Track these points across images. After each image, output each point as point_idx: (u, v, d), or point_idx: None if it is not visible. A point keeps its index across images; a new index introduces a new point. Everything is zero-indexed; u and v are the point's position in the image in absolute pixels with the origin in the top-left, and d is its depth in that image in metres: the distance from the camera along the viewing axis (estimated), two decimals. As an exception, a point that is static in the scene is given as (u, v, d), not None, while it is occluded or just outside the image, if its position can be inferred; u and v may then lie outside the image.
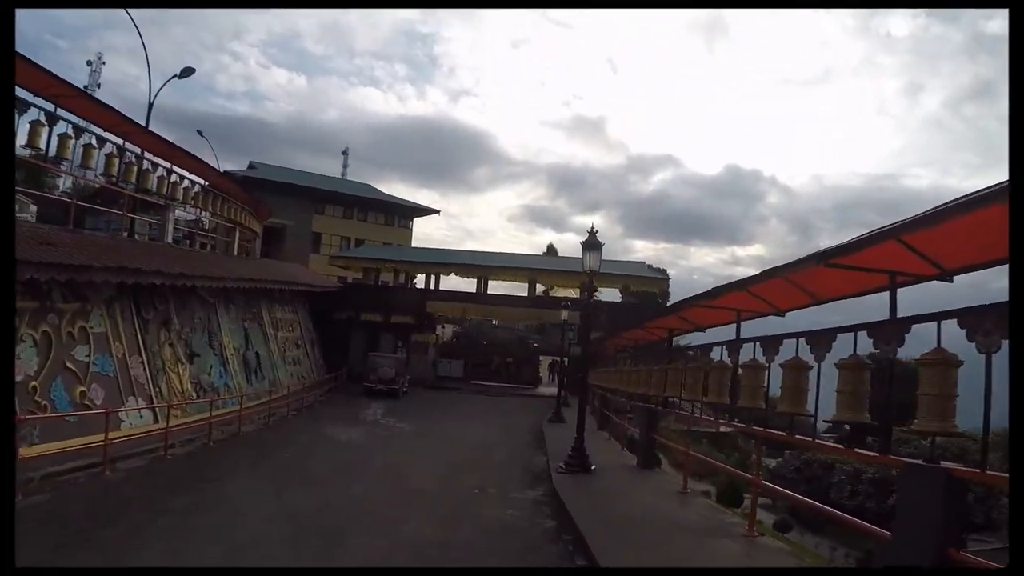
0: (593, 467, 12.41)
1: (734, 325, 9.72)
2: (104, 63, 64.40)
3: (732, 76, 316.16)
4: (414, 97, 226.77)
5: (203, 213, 23.02)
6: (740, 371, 8.40)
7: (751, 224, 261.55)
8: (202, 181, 21.75)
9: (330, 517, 9.62)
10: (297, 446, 16.06)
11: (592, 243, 12.40)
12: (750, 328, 9.18)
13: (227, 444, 15.97)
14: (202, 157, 22.59)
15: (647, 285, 36.81)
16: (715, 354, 9.60)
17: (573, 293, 38.54)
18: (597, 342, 30.81)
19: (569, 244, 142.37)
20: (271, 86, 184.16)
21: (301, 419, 21.47)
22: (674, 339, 15.77)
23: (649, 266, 39.91)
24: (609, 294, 41.30)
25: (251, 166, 54.68)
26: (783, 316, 8.70)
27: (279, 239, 48.34)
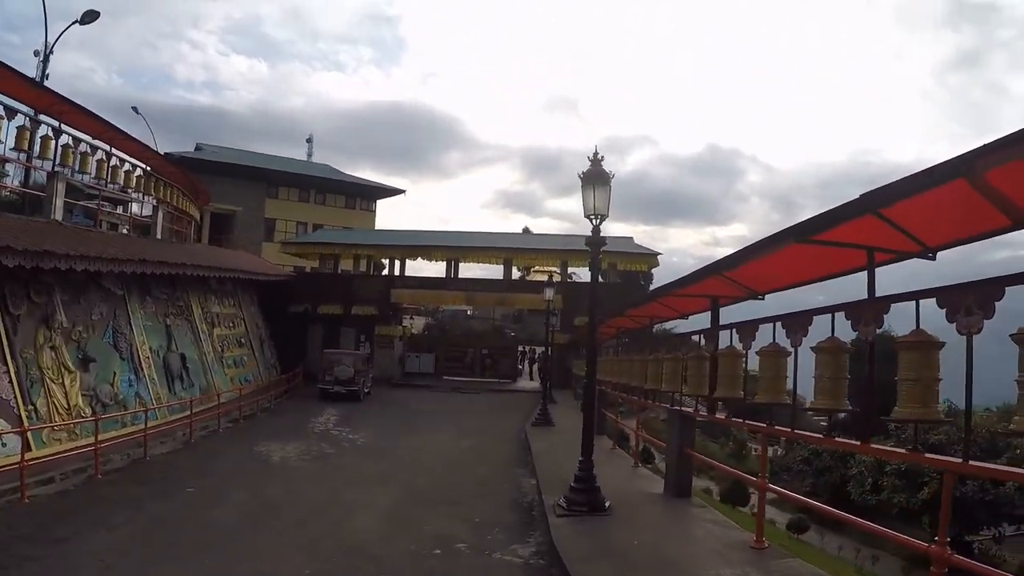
0: (607, 504, 8.79)
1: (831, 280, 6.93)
2: (52, 53, 59.17)
3: (710, 52, 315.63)
4: (380, 81, 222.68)
5: (111, 186, 19.15)
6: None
7: (731, 203, 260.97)
8: (105, 147, 17.87)
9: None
10: (211, 475, 12.30)
11: (596, 175, 8.41)
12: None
13: (121, 475, 12.28)
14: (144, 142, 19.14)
15: (636, 263, 33.00)
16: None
17: (556, 277, 35.22)
18: (585, 328, 27.44)
19: (545, 229, 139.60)
20: (231, 74, 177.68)
21: (234, 433, 17.67)
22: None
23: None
24: (587, 274, 37.80)
25: (198, 148, 50.39)
26: (933, 259, 5.23)
27: (228, 226, 44.37)
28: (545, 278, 35.77)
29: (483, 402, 27.54)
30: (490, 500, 10.86)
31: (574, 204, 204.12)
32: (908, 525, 20.88)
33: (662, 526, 8.31)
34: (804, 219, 5.43)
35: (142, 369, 16.85)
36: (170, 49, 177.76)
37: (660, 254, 33.51)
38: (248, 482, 11.82)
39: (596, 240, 8.80)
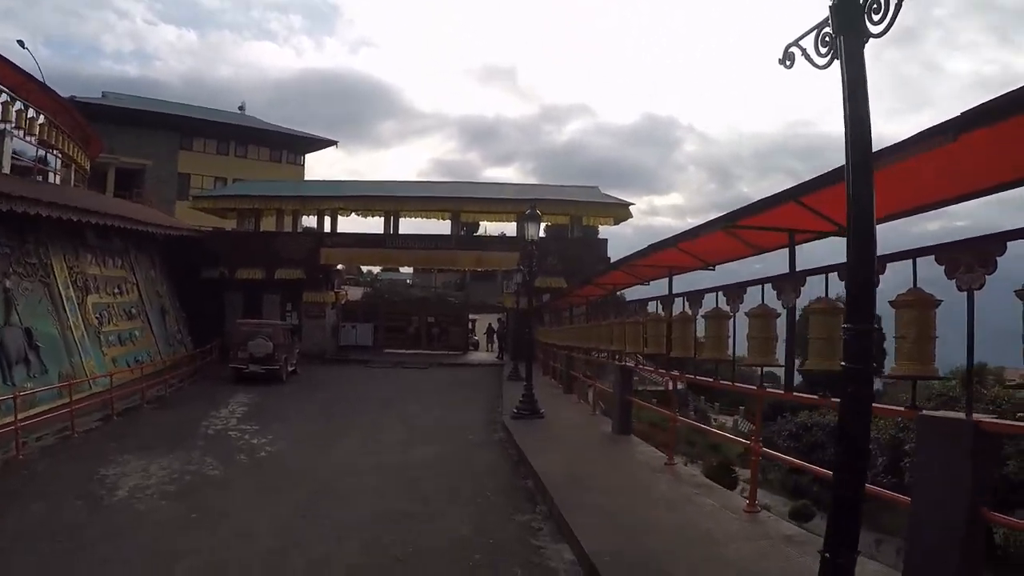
0: None
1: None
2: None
3: (645, 21, 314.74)
4: (312, 50, 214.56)
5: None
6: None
7: (669, 172, 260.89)
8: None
9: None
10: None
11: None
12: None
13: None
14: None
15: (605, 215, 28.82)
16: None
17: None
18: (560, 293, 23.28)
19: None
20: (159, 44, 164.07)
21: (92, 440, 12.55)
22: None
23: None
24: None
25: (104, 95, 44.02)
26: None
27: (137, 182, 38.43)
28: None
29: (435, 380, 23.17)
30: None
31: (512, 173, 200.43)
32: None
33: None
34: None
35: (-45, 351, 11.97)
36: (97, 19, 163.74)
37: (633, 204, 29.23)
38: (48, 551, 6.50)
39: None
